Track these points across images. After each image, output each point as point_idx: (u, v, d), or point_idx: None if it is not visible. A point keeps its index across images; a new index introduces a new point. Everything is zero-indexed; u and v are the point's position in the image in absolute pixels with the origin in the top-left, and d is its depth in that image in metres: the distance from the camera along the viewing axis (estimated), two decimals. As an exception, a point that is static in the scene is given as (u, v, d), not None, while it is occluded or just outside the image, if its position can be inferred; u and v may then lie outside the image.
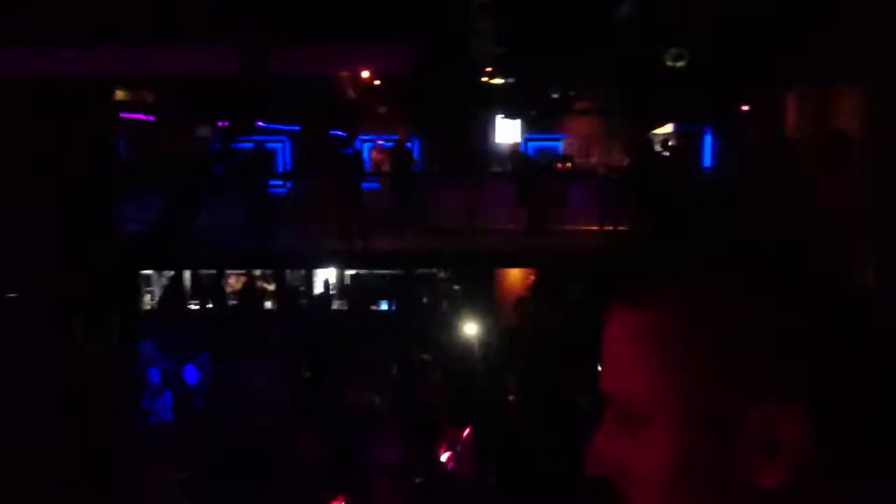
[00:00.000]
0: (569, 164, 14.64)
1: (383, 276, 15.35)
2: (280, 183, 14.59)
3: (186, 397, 8.83)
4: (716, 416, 0.65)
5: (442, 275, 15.71)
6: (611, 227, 11.78)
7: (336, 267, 14.58)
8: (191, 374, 9.27)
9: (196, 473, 6.53)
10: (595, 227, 12.43)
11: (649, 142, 12.90)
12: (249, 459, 6.46)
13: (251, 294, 14.34)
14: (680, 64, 6.13)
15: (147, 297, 14.77)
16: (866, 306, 0.68)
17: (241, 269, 14.66)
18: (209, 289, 14.64)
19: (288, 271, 14.91)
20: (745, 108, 14.14)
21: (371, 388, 8.47)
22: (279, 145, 15.53)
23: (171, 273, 14.47)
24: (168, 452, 6.93)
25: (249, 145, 13.53)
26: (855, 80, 11.36)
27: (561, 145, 15.49)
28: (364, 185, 14.70)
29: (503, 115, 12.02)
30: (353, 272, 15.50)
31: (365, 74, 13.95)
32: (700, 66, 8.72)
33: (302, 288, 15.44)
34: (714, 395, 0.65)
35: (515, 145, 14.81)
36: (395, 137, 14.70)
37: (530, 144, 15.31)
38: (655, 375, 0.67)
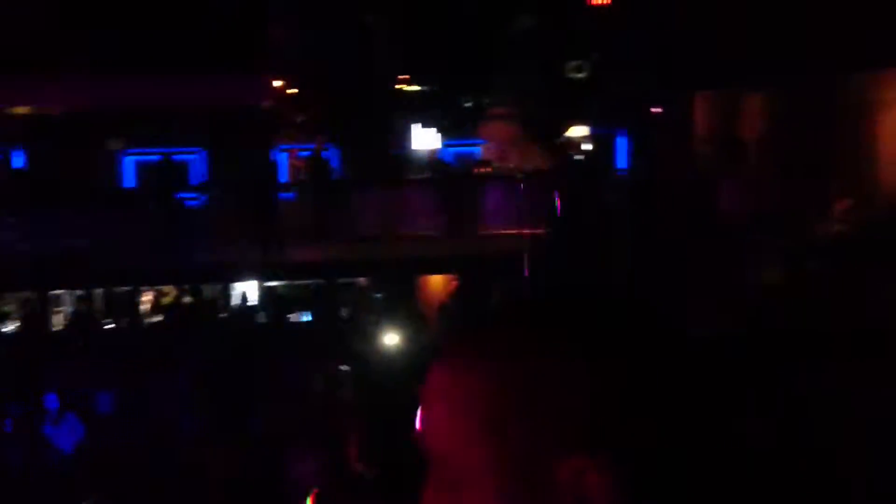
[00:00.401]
0: (487, 169, 14.71)
1: (304, 286, 15.16)
2: (194, 195, 14.30)
3: (95, 420, 8.52)
4: (531, 475, 0.66)
5: (363, 283, 15.59)
6: (528, 231, 11.88)
7: (254, 279, 14.33)
8: (100, 396, 8.95)
9: (103, 499, 6.29)
10: (514, 231, 12.54)
11: (564, 146, 13.07)
12: (159, 482, 6.26)
13: (164, 310, 13.97)
14: (580, 75, 6.25)
15: (59, 318, 14.25)
16: (682, 356, 0.70)
17: (154, 284, 14.26)
18: (122, 306, 14.21)
19: (205, 285, 14.59)
20: (655, 110, 14.46)
21: (287, 403, 8.32)
22: (193, 157, 15.20)
23: (81, 292, 13.98)
24: (72, 479, 6.66)
25: (159, 157, 13.21)
26: (758, 83, 11.75)
27: (479, 150, 15.57)
28: (282, 194, 14.54)
29: (418, 123, 12.02)
30: (271, 284, 15.28)
31: (278, 83, 13.76)
32: (604, 72, 8.93)
33: (220, 302, 15.12)
34: (528, 454, 0.66)
35: (433, 151, 14.82)
36: (313, 146, 14.58)
37: (448, 150, 15.34)
38: (471, 437, 0.67)
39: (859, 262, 6.33)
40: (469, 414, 0.67)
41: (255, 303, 14.27)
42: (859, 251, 7.26)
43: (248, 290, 14.90)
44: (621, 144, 15.28)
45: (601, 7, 5.49)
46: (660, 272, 7.58)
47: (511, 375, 0.67)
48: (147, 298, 14.67)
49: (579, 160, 11.75)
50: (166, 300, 14.63)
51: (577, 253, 9.07)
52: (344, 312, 14.72)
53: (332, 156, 15.94)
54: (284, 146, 15.09)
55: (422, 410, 0.72)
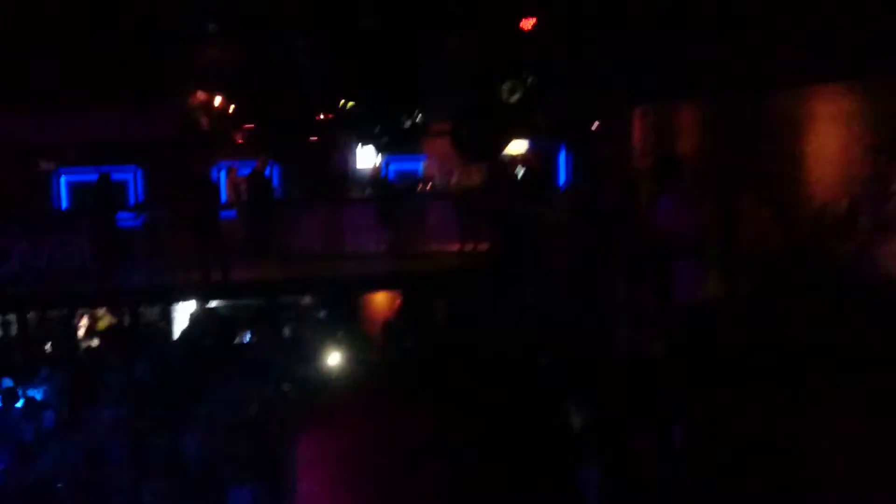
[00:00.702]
0: (429, 186, 14.71)
1: (245, 306, 14.94)
2: (132, 215, 14.02)
3: (25, 449, 8.23)
4: None
5: (307, 302, 15.43)
6: (471, 247, 11.90)
7: (194, 300, 14.06)
8: (27, 424, 8.67)
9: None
10: (456, 247, 12.53)
11: (505, 161, 13.13)
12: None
13: (100, 334, 13.64)
14: (515, 98, 6.30)
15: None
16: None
17: (90, 307, 13.91)
18: (57, 330, 13.83)
19: (144, 307, 14.30)
20: (596, 124, 14.65)
21: (225, 428, 8.16)
22: (129, 175, 14.90)
23: (14, 315, 13.57)
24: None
25: (94, 176, 12.93)
26: (693, 98, 11.99)
27: (421, 167, 15.57)
28: (223, 212, 14.31)
29: (359, 141, 11.99)
30: (213, 304, 15.03)
31: (217, 101, 13.59)
32: (541, 90, 9.03)
33: (161, 324, 14.82)
34: None
35: (376, 168, 14.77)
36: (253, 164, 14.41)
37: (391, 167, 15.32)
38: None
39: (780, 280, 6.49)
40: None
41: (196, 324, 13.99)
42: (780, 270, 7.43)
43: (188, 312, 14.63)
44: (562, 159, 15.46)
45: (532, 28, 5.55)
46: (596, 289, 7.64)
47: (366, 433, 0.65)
48: (83, 322, 14.32)
49: (519, 175, 11.82)
50: (102, 324, 14.29)
51: (516, 269, 9.10)
52: (287, 332, 14.55)
53: (274, 173, 15.80)
54: (225, 164, 14.89)
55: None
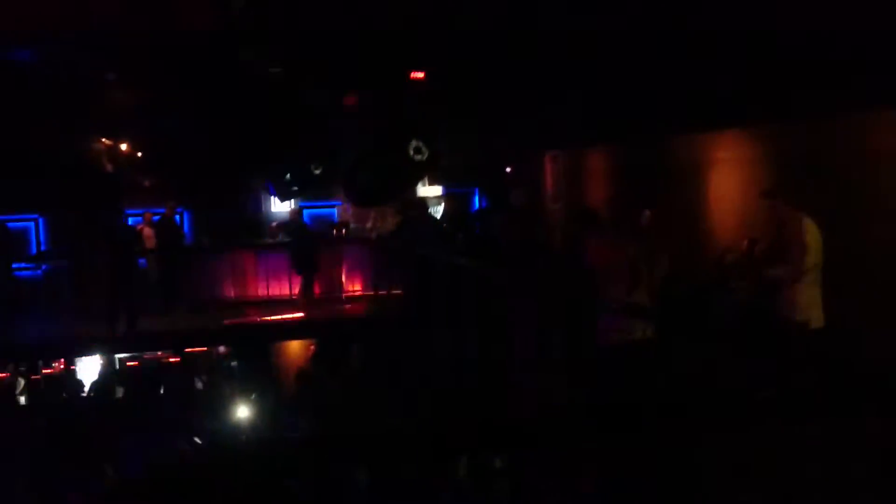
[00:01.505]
0: (344, 231, 14.61)
1: (155, 359, 14.47)
2: (31, 265, 13.48)
3: None
4: None
5: (220, 352, 15.05)
6: (384, 292, 11.81)
7: (100, 353, 13.54)
8: None
9: None
10: (371, 293, 12.45)
11: (419, 205, 13.11)
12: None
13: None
14: (420, 157, 6.34)
15: None
16: None
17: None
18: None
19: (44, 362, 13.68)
20: (508, 169, 14.86)
21: (131, 485, 7.78)
22: (30, 224, 14.37)
23: None
24: None
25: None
26: (599, 143, 12.28)
27: (336, 212, 15.48)
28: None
29: (269, 187, 11.83)
30: (121, 357, 14.51)
31: (124, 146, 13.23)
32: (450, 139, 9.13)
33: (64, 379, 14.18)
34: None
35: (294, 213, 14.62)
36: (162, 210, 14.07)
37: (305, 212, 15.16)
38: None
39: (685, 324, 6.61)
40: None
41: (102, 379, 13.45)
42: (685, 313, 7.58)
43: (94, 366, 14.09)
44: (475, 204, 15.60)
45: (424, 83, 5.62)
46: (506, 335, 7.64)
47: None
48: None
49: (431, 219, 11.84)
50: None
51: (427, 315, 9.05)
52: (199, 383, 14.11)
53: (184, 219, 15.46)
54: (132, 211, 14.48)
55: None
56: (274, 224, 14.77)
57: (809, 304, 6.69)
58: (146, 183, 14.55)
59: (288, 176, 9.57)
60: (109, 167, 13.29)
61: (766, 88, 7.03)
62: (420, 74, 5.65)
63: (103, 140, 12.69)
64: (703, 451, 5.69)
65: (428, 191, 14.50)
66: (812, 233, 6.67)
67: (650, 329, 6.78)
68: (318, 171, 9.32)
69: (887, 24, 4.94)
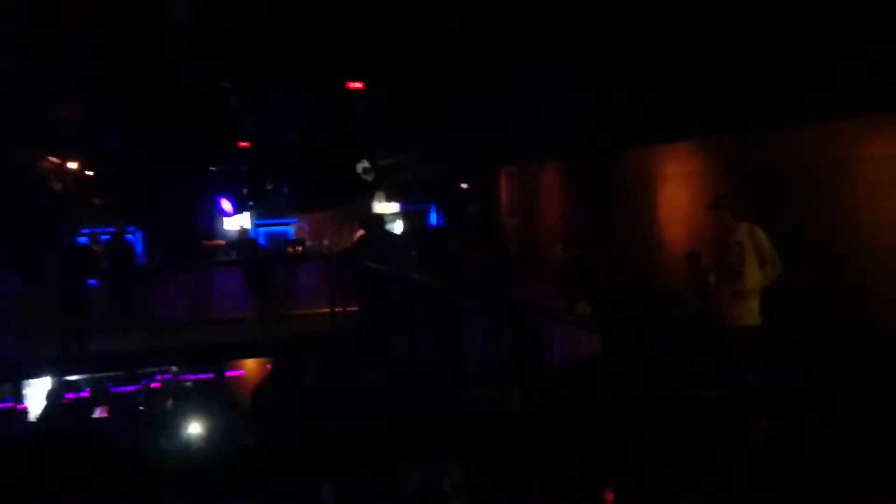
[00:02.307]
0: (299, 248, 14.52)
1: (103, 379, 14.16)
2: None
3: None
4: None
5: (174, 371, 14.78)
6: (340, 309, 11.73)
7: (50, 375, 13.22)
8: None
9: None
10: (326, 310, 12.33)
11: (379, 222, 13.11)
12: None
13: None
14: (368, 178, 6.36)
15: None
16: None
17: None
18: None
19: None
20: (464, 185, 14.92)
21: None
22: (-24, 244, 14.01)
23: None
24: None
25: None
26: (552, 157, 12.39)
27: (292, 230, 15.39)
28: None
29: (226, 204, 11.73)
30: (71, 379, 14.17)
31: (73, 165, 13.02)
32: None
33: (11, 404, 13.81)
34: None
35: (243, 231, 14.49)
36: (113, 230, 13.86)
37: (260, 230, 15.05)
38: None
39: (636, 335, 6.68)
40: None
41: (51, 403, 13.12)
42: (636, 324, 7.65)
43: (43, 390, 13.72)
44: (433, 218, 15.62)
45: (370, 95, 5.62)
46: (458, 347, 7.64)
47: None
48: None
49: (392, 235, 11.83)
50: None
51: (382, 331, 9.02)
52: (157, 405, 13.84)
53: (136, 239, 15.24)
54: (84, 230, 14.24)
55: None
56: (208, 242, 14.63)
57: (754, 309, 6.81)
58: (96, 202, 14.33)
59: (245, 191, 9.53)
60: (58, 185, 13.07)
61: (710, 103, 7.17)
62: (358, 84, 5.64)
63: (50, 158, 12.48)
64: (648, 453, 5.73)
65: (385, 207, 14.50)
66: (764, 241, 6.78)
67: (597, 340, 6.86)
68: (269, 187, 9.29)
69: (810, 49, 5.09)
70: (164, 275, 13.78)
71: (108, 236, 13.64)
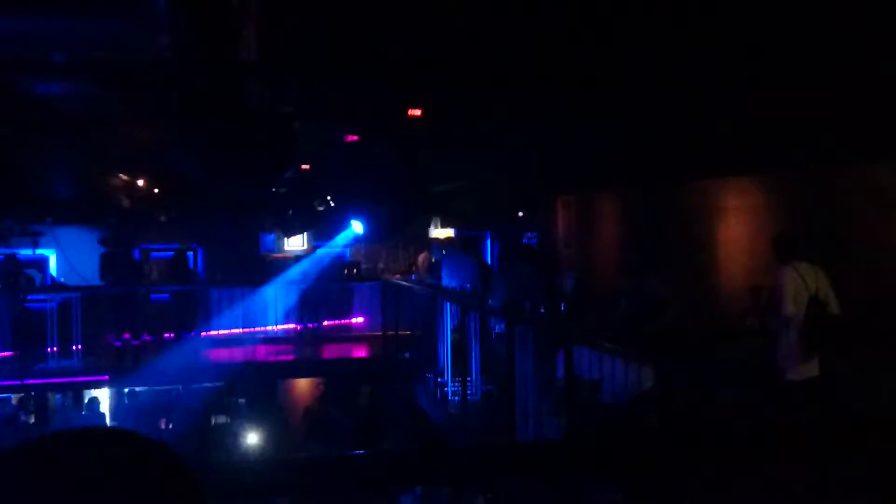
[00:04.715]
0: (355, 270, 14.64)
1: (165, 393, 14.47)
2: (46, 297, 13.57)
3: None
4: None
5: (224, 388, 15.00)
6: (393, 332, 11.80)
7: (109, 386, 13.56)
8: None
9: None
10: (379, 333, 12.41)
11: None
12: None
13: None
14: (322, 209, 6.55)
15: None
16: None
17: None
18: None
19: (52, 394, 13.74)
20: (521, 213, 14.91)
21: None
22: (44, 257, 14.58)
23: None
24: None
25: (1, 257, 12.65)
26: (612, 188, 12.33)
27: (348, 252, 15.54)
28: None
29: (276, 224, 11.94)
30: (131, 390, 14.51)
31: (141, 182, 13.40)
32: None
33: (70, 411, 14.21)
34: None
35: (308, 250, 14.73)
36: (176, 246, 14.22)
37: (319, 252, 15.24)
38: None
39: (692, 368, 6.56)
40: None
41: (109, 412, 13.48)
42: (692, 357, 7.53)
43: (101, 399, 14.09)
44: (487, 247, 15.63)
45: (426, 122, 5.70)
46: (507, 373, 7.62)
47: None
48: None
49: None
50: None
51: (431, 355, 9.04)
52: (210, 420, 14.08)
53: (198, 256, 15.59)
54: (146, 246, 14.62)
55: None
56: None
57: (788, 353, 6.59)
58: (161, 218, 14.70)
59: (291, 212, 9.67)
60: (126, 203, 13.45)
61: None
62: (417, 112, 5.71)
63: (120, 175, 12.87)
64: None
65: (440, 232, 14.56)
66: (793, 280, 6.54)
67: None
68: (321, 208, 9.42)
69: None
70: (224, 291, 14.00)
71: (170, 252, 14.02)
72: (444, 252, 10.08)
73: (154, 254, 14.45)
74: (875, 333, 6.79)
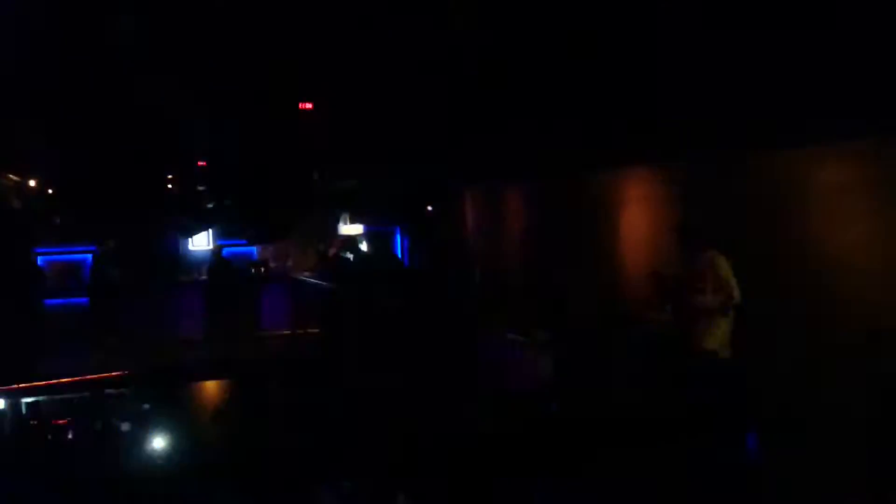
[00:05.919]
0: (263, 269, 14.41)
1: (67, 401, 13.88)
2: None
3: None
4: None
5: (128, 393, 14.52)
6: (302, 330, 11.68)
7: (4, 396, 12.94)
8: None
9: None
10: (287, 332, 12.26)
11: (353, 242, 13.06)
12: None
13: None
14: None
15: None
16: None
17: None
18: None
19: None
20: (430, 208, 14.93)
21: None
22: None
23: None
24: None
25: None
26: (518, 180, 12.47)
27: (256, 250, 15.27)
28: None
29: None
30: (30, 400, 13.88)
31: (32, 183, 12.85)
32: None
33: None
34: None
35: (214, 249, 14.36)
36: (74, 248, 13.69)
37: (225, 250, 14.92)
38: None
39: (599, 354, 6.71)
40: None
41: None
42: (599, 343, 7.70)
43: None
44: (398, 241, 15.60)
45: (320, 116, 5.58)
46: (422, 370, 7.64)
47: None
48: None
49: (350, 258, 11.78)
50: None
51: (340, 354, 8.99)
52: (98, 425, 13.53)
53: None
54: (41, 249, 14.03)
55: None
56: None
57: (724, 334, 6.83)
58: (57, 220, 14.11)
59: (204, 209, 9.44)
60: (17, 203, 12.88)
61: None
62: (308, 105, 5.63)
63: (10, 176, 12.31)
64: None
65: (349, 229, 14.47)
66: (729, 266, 6.78)
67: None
68: (228, 203, 9.22)
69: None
70: (130, 293, 13.56)
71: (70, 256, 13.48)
72: (358, 250, 10.10)
73: (51, 258, 13.88)
74: (765, 319, 7.06)
